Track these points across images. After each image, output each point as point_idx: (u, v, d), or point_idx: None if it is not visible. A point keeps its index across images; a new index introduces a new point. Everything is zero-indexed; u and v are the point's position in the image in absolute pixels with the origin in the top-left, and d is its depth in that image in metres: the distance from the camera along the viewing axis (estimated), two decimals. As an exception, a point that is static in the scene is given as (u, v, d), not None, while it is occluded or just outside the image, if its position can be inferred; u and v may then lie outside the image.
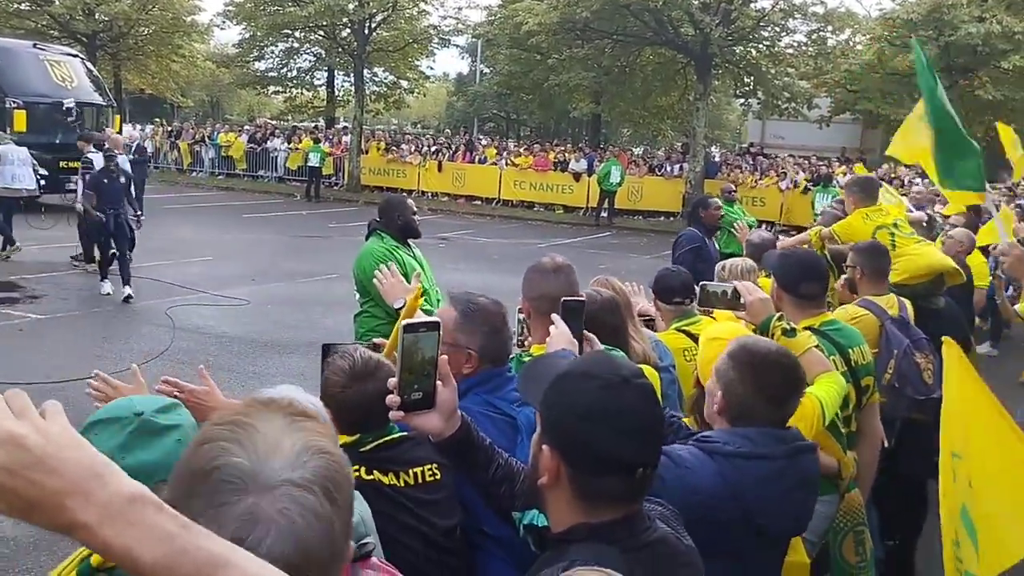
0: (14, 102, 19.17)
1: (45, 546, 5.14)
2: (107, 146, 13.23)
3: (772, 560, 2.47)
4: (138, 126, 33.20)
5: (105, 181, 11.85)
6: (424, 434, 1.98)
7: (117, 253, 11.75)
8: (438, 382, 1.86)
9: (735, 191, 13.54)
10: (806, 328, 3.50)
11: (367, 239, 5.68)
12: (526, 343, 3.48)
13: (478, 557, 2.70)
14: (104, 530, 0.82)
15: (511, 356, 2.97)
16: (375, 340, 2.51)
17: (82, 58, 23.88)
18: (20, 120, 18.73)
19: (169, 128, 33.74)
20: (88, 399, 8.17)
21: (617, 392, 1.74)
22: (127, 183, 12.16)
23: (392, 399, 1.81)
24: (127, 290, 11.49)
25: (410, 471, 2.50)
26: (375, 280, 4.02)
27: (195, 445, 1.06)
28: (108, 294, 11.61)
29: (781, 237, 8.01)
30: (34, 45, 22.16)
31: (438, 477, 2.30)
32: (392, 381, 1.82)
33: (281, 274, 14.02)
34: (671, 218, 25.51)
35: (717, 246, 8.68)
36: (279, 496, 1.02)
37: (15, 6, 32.93)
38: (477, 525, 2.67)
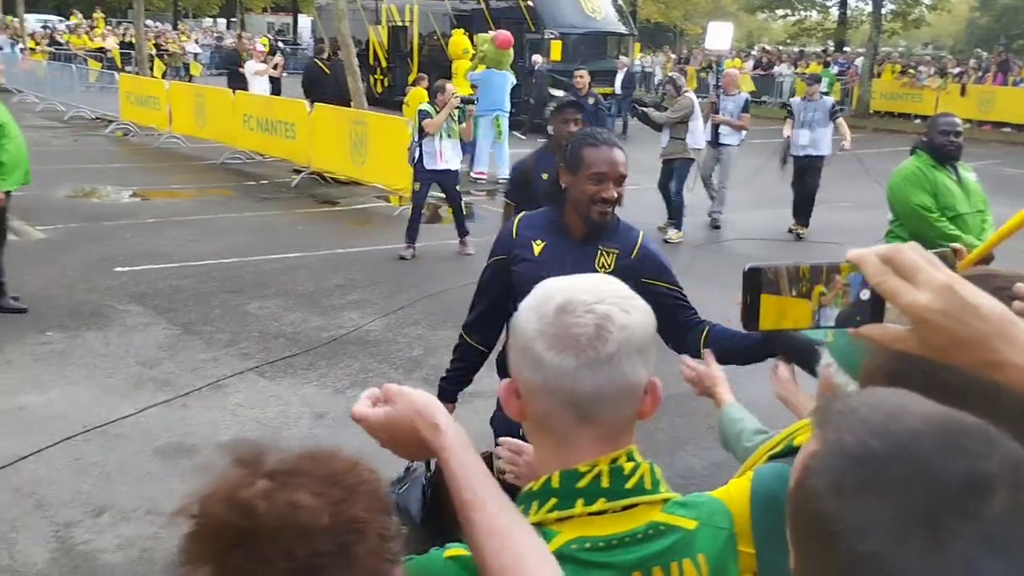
0: (551, 33, 21.12)
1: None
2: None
3: None
4: (648, 55, 34.68)
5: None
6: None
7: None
8: None
9: None
10: None
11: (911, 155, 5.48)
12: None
13: None
14: None
15: None
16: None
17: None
18: (556, 49, 20.62)
19: (678, 56, 34.78)
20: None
21: None
22: None
23: None
24: None
25: None
26: None
27: None
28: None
29: None
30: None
31: None
32: None
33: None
34: None
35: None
36: None
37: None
38: None
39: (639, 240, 3.14)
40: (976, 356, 0.91)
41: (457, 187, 9.86)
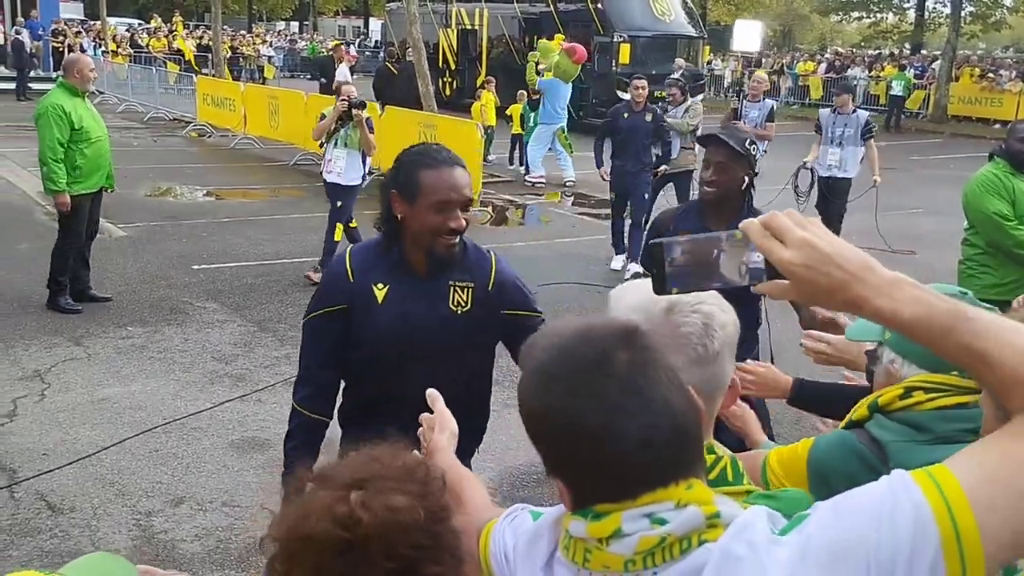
0: (620, 36, 21.04)
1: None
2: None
3: None
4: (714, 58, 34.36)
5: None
6: None
7: None
8: None
9: None
10: None
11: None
12: None
13: None
14: (877, 301, 1.06)
15: None
16: None
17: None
18: (625, 53, 20.54)
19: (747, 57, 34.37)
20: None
21: None
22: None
23: None
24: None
25: None
26: None
27: None
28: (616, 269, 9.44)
29: None
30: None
31: None
32: None
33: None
34: None
35: None
36: None
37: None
38: None
39: (493, 267, 2.70)
40: (838, 299, 1.08)
41: (340, 204, 8.35)
